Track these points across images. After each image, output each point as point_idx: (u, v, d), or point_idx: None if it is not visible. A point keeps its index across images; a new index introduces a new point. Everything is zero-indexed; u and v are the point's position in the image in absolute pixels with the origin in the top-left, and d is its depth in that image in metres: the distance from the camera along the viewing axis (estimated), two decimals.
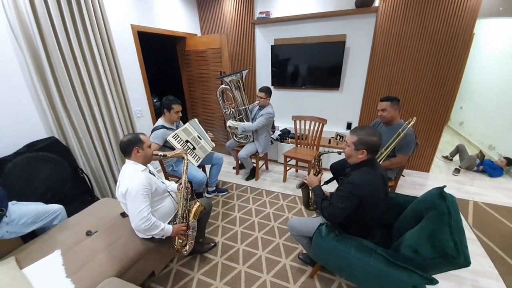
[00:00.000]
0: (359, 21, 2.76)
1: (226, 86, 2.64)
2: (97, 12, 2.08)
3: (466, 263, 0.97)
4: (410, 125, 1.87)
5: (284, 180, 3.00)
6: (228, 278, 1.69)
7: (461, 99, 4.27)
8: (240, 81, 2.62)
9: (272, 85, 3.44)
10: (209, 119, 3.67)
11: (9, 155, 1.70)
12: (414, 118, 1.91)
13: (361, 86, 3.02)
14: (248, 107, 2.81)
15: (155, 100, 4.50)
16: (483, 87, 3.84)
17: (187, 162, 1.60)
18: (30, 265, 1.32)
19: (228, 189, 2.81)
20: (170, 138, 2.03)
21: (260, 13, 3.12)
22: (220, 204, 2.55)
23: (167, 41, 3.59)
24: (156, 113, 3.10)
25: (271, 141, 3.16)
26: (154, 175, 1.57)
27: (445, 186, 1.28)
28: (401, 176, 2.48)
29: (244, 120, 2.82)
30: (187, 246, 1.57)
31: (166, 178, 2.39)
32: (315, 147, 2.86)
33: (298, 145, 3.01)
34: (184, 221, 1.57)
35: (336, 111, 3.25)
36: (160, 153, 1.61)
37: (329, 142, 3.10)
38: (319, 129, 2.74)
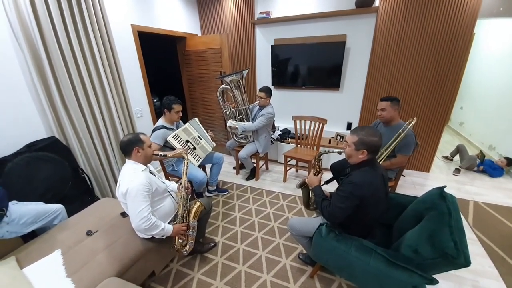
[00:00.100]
0: (359, 21, 2.76)
1: (226, 86, 2.64)
2: (97, 12, 2.08)
3: (466, 263, 0.97)
4: (410, 125, 1.87)
5: (284, 180, 3.00)
6: (228, 278, 1.69)
7: (461, 99, 4.27)
8: (241, 81, 2.63)
9: (272, 85, 3.44)
10: (209, 119, 3.67)
11: (9, 155, 1.70)
12: (415, 118, 1.92)
13: (361, 86, 3.02)
14: (249, 107, 2.81)
15: (155, 100, 4.50)
16: (483, 87, 3.84)
17: (187, 162, 1.60)
18: (30, 265, 1.32)
19: (228, 189, 2.81)
20: (170, 139, 2.03)
21: (260, 13, 3.12)
22: (220, 204, 2.55)
23: (167, 41, 3.59)
24: (156, 113, 3.11)
25: (271, 141, 3.16)
26: (155, 175, 1.57)
27: (445, 186, 1.28)
28: (401, 176, 2.48)
29: (245, 120, 2.82)
30: (187, 246, 1.57)
31: (167, 178, 2.39)
32: (315, 147, 2.86)
33: (298, 145, 3.01)
34: (184, 221, 1.57)
35: (336, 111, 3.25)
36: (161, 153, 1.61)
37: (329, 142, 3.10)
38: (319, 129, 2.74)
